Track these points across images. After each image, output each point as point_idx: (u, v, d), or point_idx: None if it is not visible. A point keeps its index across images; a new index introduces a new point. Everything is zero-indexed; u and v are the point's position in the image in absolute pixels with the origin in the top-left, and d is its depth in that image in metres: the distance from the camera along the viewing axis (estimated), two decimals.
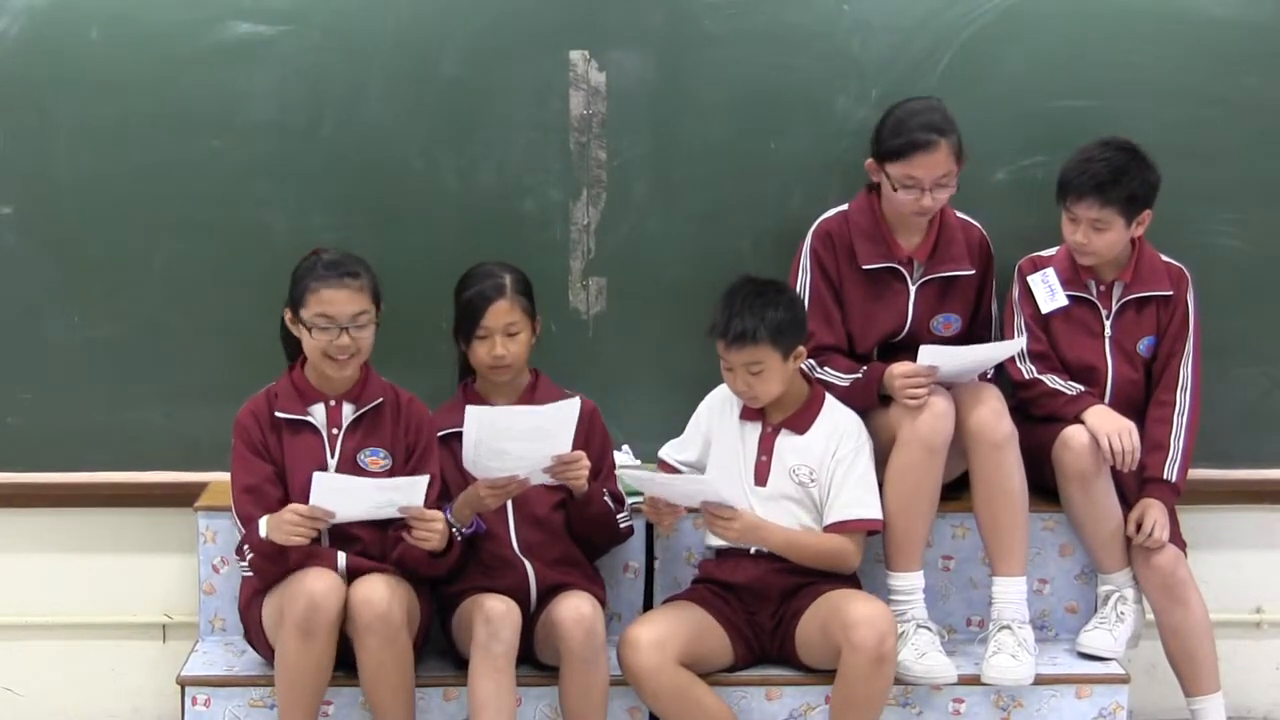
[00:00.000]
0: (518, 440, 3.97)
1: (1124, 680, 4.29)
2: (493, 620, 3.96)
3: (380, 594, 3.91)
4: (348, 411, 4.09)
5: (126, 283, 4.54)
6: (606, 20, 4.53)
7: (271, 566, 3.95)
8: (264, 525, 3.91)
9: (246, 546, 3.96)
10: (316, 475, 3.87)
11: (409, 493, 3.90)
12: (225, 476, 4.13)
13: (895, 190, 4.26)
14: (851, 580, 4.24)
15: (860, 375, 4.31)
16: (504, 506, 4.15)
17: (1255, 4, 4.59)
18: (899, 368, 4.23)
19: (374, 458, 4.08)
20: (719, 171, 4.59)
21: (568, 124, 4.55)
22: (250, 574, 4.00)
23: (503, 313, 4.14)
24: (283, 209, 4.54)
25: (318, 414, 4.09)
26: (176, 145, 4.49)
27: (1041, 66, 4.58)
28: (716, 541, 4.28)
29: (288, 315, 4.08)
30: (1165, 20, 4.58)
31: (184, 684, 4.18)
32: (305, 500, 3.94)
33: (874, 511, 4.20)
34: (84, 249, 4.53)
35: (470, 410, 3.97)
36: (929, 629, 4.20)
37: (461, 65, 4.52)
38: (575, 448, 4.03)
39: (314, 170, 4.53)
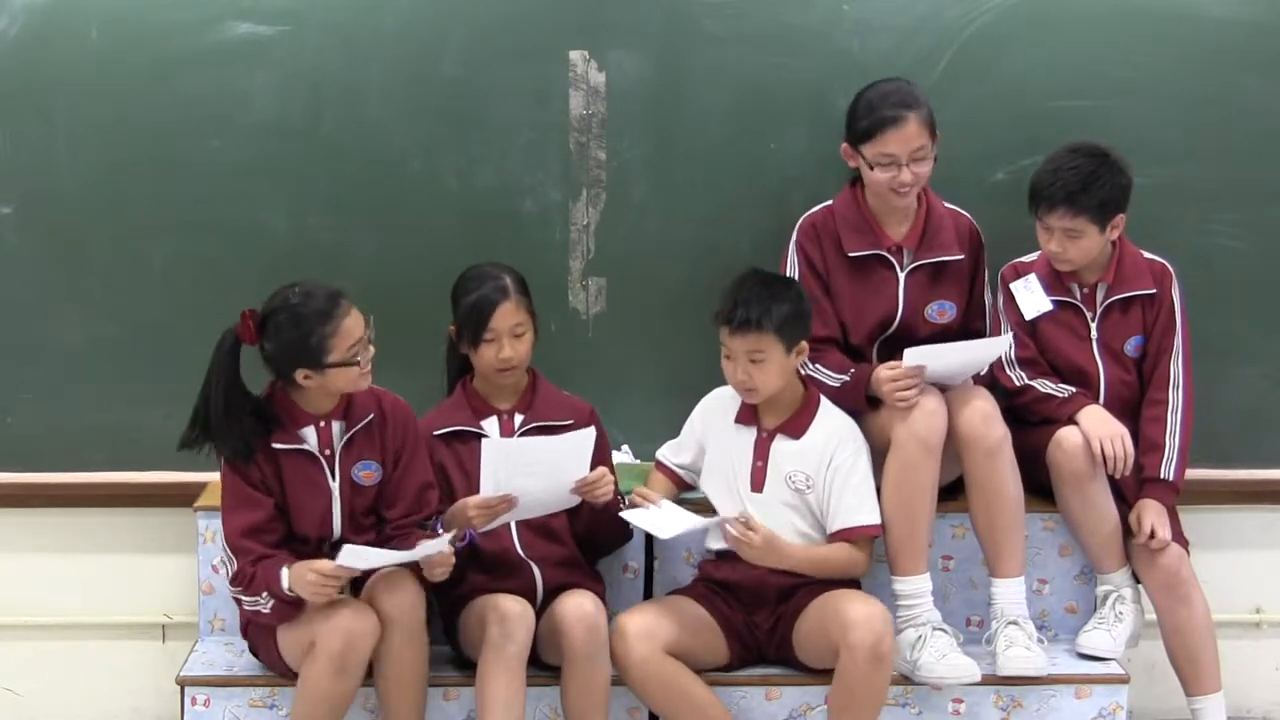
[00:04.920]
0: (535, 470, 3.99)
1: (1123, 680, 4.29)
2: (508, 620, 3.97)
3: (408, 590, 3.92)
4: (337, 430, 4.07)
5: (126, 283, 4.54)
6: (606, 20, 4.53)
7: (292, 611, 3.94)
8: (286, 578, 3.88)
9: (267, 594, 3.92)
10: (344, 550, 3.84)
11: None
12: None
13: (872, 170, 4.26)
14: (844, 582, 4.22)
15: (848, 378, 4.31)
16: None
17: (1255, 4, 4.59)
18: (885, 370, 4.23)
19: (367, 470, 4.07)
20: (719, 171, 4.59)
21: (568, 124, 4.55)
22: (256, 609, 3.95)
23: (509, 314, 4.14)
24: (283, 209, 4.54)
25: (309, 437, 4.05)
26: (176, 145, 4.49)
27: (1041, 66, 4.58)
28: (717, 544, 4.28)
29: (301, 375, 3.94)
30: (1165, 20, 4.58)
31: (184, 684, 4.18)
32: (312, 530, 3.99)
33: (875, 516, 4.20)
34: (84, 249, 4.53)
35: (487, 445, 4.00)
36: (945, 631, 4.18)
37: (461, 65, 4.52)
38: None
39: (314, 170, 4.53)
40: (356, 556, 3.87)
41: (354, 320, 3.95)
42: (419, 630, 3.94)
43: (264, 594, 3.92)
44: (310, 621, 3.92)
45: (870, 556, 4.22)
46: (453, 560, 3.95)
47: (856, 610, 4.01)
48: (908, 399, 4.18)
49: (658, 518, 4.15)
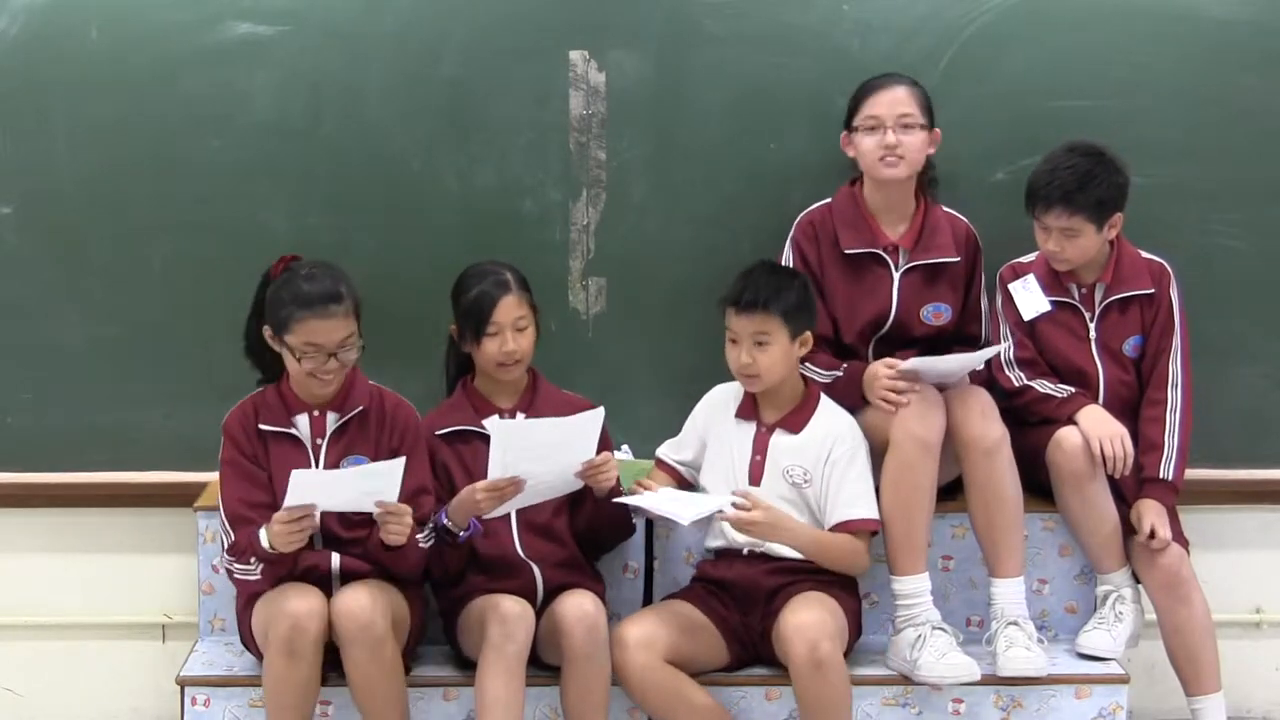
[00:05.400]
0: (544, 451, 3.99)
1: (1123, 680, 4.29)
2: (508, 621, 3.97)
3: (362, 605, 3.90)
4: (331, 420, 4.08)
5: (126, 283, 4.54)
6: (606, 20, 4.53)
7: (279, 569, 3.95)
8: (263, 536, 3.90)
9: (255, 558, 3.94)
10: (294, 474, 3.84)
11: (386, 479, 3.88)
12: None
13: (862, 142, 4.31)
14: (838, 580, 4.20)
15: (840, 373, 4.32)
16: (507, 514, 4.13)
17: (1255, 4, 4.59)
18: (884, 369, 4.24)
19: (356, 465, 4.07)
20: (719, 171, 4.59)
21: (568, 124, 4.55)
22: (248, 578, 3.98)
23: (511, 307, 4.15)
24: (283, 209, 4.54)
25: (302, 425, 4.07)
26: (176, 145, 4.50)
27: (1041, 66, 4.58)
28: (715, 542, 4.29)
29: (267, 332, 4.03)
30: (1165, 20, 4.58)
31: (183, 684, 4.18)
32: None
33: (874, 512, 4.20)
34: (84, 249, 4.53)
35: (496, 424, 4.00)
36: (944, 630, 4.18)
37: (461, 65, 4.52)
38: None
39: (314, 170, 4.53)
40: (304, 490, 3.83)
41: (328, 326, 3.95)
42: (378, 642, 3.90)
43: (253, 559, 3.93)
44: (264, 611, 3.94)
45: (870, 552, 4.22)
46: (408, 521, 3.92)
47: (788, 622, 4.03)
48: (894, 401, 4.19)
49: (656, 499, 4.15)
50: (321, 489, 3.89)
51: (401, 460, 3.89)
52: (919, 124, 4.30)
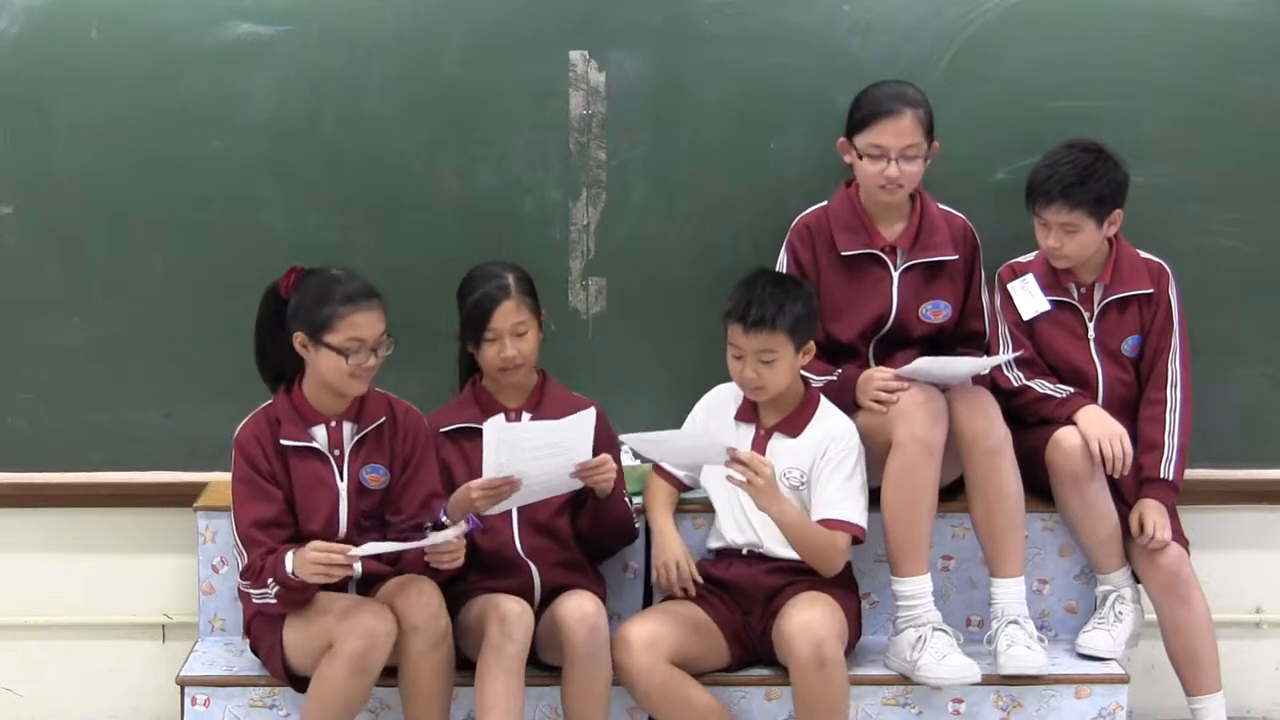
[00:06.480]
0: (538, 453, 3.98)
1: (1124, 680, 4.29)
2: (508, 620, 3.97)
3: (431, 597, 3.92)
4: (348, 432, 4.07)
5: (126, 283, 4.54)
6: (606, 20, 4.53)
7: (297, 597, 3.93)
8: (289, 561, 3.87)
9: (272, 580, 3.90)
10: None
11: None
12: (225, 476, 4.11)
13: (862, 160, 4.29)
14: (837, 581, 4.19)
15: (834, 378, 4.32)
16: (508, 512, 4.14)
17: (1255, 4, 4.59)
18: (879, 374, 4.25)
19: (374, 474, 4.07)
20: (719, 171, 4.59)
21: (568, 124, 4.55)
22: (265, 601, 3.94)
23: (510, 313, 4.15)
24: (283, 209, 4.54)
25: (319, 436, 4.06)
26: (176, 145, 4.49)
27: (1041, 66, 4.58)
28: (714, 543, 4.29)
29: (298, 339, 4.01)
30: (1165, 20, 4.58)
31: (184, 684, 4.18)
32: (318, 529, 3.97)
33: (857, 516, 4.17)
34: (84, 249, 4.53)
35: (489, 426, 4.00)
36: (945, 631, 4.18)
37: (461, 65, 4.52)
38: None
39: (314, 170, 4.53)
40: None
41: (371, 320, 3.96)
42: (442, 637, 3.93)
43: (270, 581, 3.90)
44: (326, 624, 3.91)
45: (847, 556, 4.19)
46: (463, 550, 3.93)
47: (792, 621, 4.02)
48: (886, 401, 4.19)
49: (651, 440, 4.13)
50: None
51: (457, 528, 3.89)
52: (922, 153, 4.29)
